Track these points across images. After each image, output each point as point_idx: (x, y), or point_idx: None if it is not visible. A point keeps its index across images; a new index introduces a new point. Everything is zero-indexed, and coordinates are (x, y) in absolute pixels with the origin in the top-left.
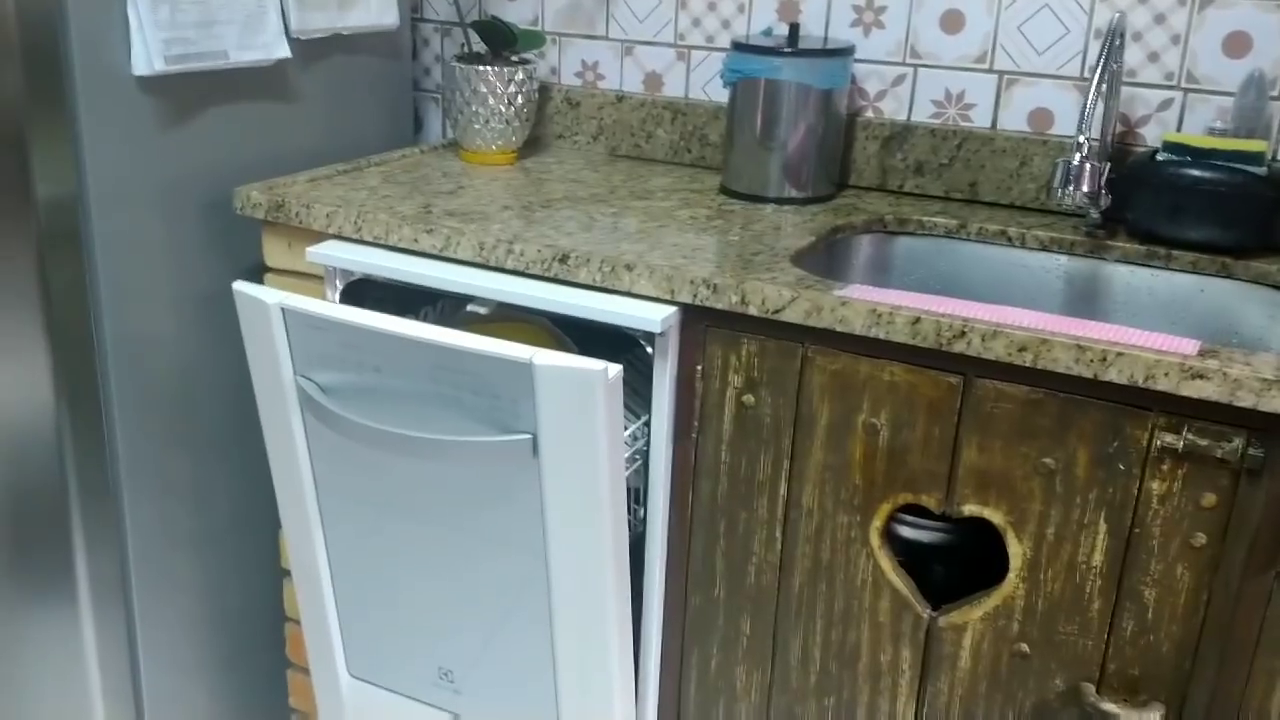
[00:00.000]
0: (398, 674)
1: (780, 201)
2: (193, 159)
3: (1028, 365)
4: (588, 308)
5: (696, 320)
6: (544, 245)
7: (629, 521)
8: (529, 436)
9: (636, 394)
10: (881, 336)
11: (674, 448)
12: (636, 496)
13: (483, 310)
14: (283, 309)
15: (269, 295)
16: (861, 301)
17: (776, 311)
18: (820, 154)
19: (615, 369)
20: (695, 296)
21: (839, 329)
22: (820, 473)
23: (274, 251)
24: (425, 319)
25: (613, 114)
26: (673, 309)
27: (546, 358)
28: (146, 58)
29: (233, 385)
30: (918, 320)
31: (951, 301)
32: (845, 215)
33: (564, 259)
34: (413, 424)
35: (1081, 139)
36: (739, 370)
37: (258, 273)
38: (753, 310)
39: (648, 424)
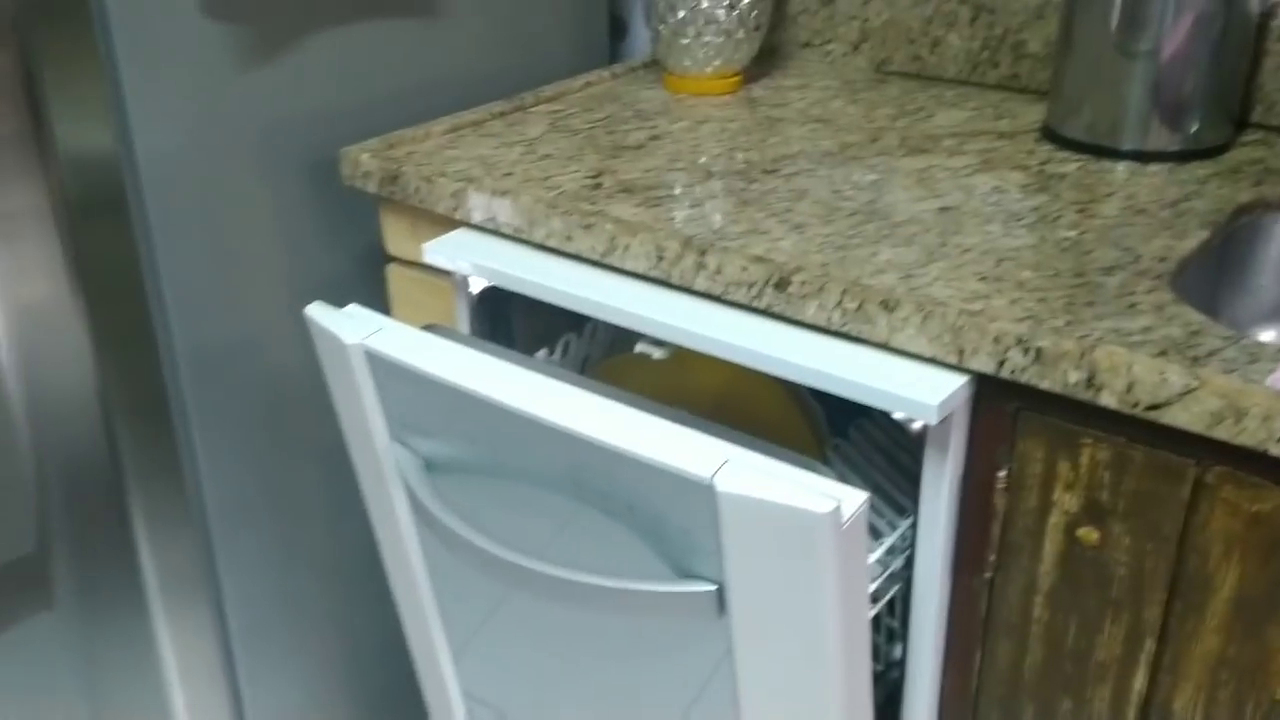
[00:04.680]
0: None
1: (1145, 157)
2: (288, 102)
3: None
4: (815, 371)
5: (1001, 397)
6: (753, 258)
7: (874, 670)
8: (713, 588)
9: (897, 468)
10: None
11: (953, 583)
12: (890, 634)
13: (656, 353)
14: (366, 352)
15: (348, 330)
16: None
17: (1153, 408)
18: (1213, 77)
19: (856, 503)
20: (1002, 365)
21: (1274, 451)
22: (1213, 670)
23: (395, 236)
24: (594, 337)
25: (883, 11)
26: (961, 380)
27: (737, 478)
28: None
29: None
30: None
31: None
32: (1253, 182)
33: (782, 284)
34: (542, 539)
35: None
36: (1074, 486)
37: (379, 259)
38: (1108, 400)
39: (914, 526)
